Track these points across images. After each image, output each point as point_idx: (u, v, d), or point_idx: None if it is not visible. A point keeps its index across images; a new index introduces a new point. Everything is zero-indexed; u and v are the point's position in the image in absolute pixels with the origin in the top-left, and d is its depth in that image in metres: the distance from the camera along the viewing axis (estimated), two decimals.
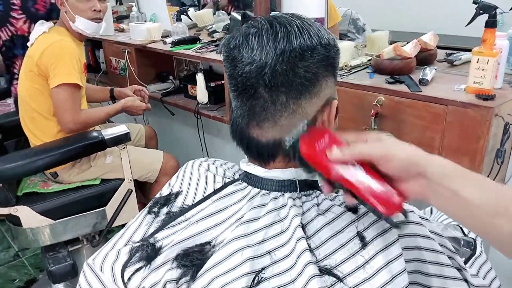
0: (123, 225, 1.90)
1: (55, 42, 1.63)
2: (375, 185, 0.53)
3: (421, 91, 1.25)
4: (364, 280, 0.57)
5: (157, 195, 0.76)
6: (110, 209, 1.75)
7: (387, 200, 0.53)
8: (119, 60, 2.41)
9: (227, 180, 0.72)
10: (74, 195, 1.72)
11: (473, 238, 0.90)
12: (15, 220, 1.64)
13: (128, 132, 1.67)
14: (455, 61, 1.50)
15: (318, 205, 0.65)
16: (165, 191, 0.76)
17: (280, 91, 0.61)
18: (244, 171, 0.70)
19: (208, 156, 2.28)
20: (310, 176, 0.62)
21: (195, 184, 0.74)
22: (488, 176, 1.19)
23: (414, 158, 0.53)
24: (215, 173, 0.75)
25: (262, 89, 0.61)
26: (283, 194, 0.66)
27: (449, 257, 0.67)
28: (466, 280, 0.68)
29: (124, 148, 1.71)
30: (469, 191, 0.51)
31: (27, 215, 1.63)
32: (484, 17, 1.19)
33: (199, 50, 1.96)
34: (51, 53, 1.60)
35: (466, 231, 0.93)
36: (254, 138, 0.65)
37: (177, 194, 0.74)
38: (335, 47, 0.65)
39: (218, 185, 0.72)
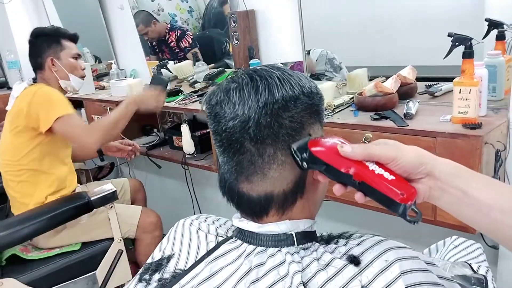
0: None
1: (39, 90, 1.67)
2: (390, 175, 0.53)
3: (408, 125, 1.24)
4: None
5: (149, 260, 0.72)
6: (100, 273, 1.67)
7: (403, 186, 0.52)
8: (100, 117, 2.39)
9: (220, 239, 0.69)
10: (62, 261, 1.65)
11: (483, 275, 0.87)
12: None
13: (115, 191, 1.63)
14: (436, 92, 1.52)
15: (318, 259, 0.61)
16: (156, 255, 0.72)
17: (267, 143, 0.59)
18: (237, 227, 0.66)
19: (199, 207, 2.23)
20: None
21: (187, 246, 0.70)
22: None
23: (423, 158, 0.53)
24: (207, 231, 0.71)
25: (248, 143, 0.59)
26: (280, 250, 0.62)
27: None
28: None
29: (112, 207, 1.66)
30: (479, 190, 0.51)
31: None
32: (459, 47, 1.22)
33: (182, 102, 1.96)
34: (38, 100, 1.63)
35: (475, 267, 0.90)
36: (244, 193, 0.62)
37: (169, 258, 0.70)
38: (318, 94, 0.64)
39: (211, 245, 0.68)
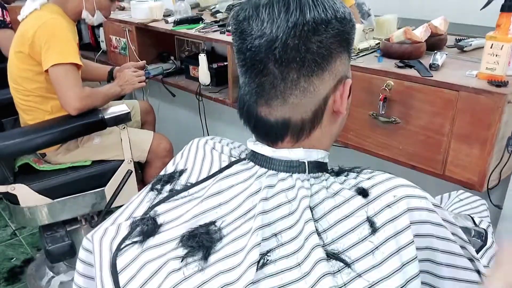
0: (122, 206, 1.90)
1: (48, 20, 1.56)
2: None
3: (432, 76, 1.21)
4: (373, 267, 0.54)
5: (162, 172, 0.73)
6: (109, 189, 1.72)
7: None
8: (119, 39, 2.35)
9: (233, 159, 0.69)
10: (72, 175, 1.69)
11: (484, 229, 0.88)
12: (12, 199, 1.62)
13: (129, 112, 1.64)
14: (465, 47, 1.46)
15: (327, 188, 0.62)
16: (169, 168, 0.73)
17: (291, 67, 0.57)
18: (251, 150, 0.67)
19: None
20: None
21: (200, 162, 0.71)
22: (497, 165, 1.16)
23: None
24: (221, 151, 0.72)
25: (272, 64, 0.58)
26: (291, 175, 0.63)
27: (461, 247, 0.65)
28: (478, 271, 0.65)
29: (124, 128, 1.68)
30: None
31: (25, 194, 1.60)
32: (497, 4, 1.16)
33: (202, 30, 1.91)
34: (44, 33, 1.53)
35: (477, 221, 0.91)
36: (262, 117, 0.62)
37: (181, 172, 0.71)
38: (351, 21, 0.61)
39: (224, 164, 0.69)
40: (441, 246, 0.62)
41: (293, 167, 0.63)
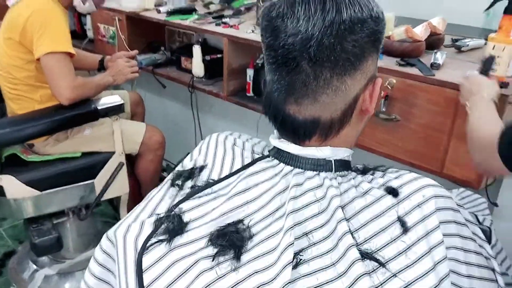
0: (112, 199, 1.86)
1: (41, 7, 1.49)
2: None
3: (434, 75, 1.22)
4: (407, 266, 0.54)
5: (179, 168, 0.71)
6: (99, 182, 1.68)
7: None
8: (108, 27, 2.29)
9: (256, 156, 0.68)
10: (61, 166, 1.64)
11: (488, 227, 0.90)
12: None
13: (123, 103, 1.60)
14: (463, 46, 1.48)
15: (356, 186, 0.62)
16: (187, 164, 0.71)
17: (325, 66, 0.57)
18: (276, 147, 0.66)
19: (201, 133, 2.22)
20: None
21: (220, 159, 0.69)
22: None
23: None
24: (242, 148, 0.70)
25: (306, 63, 0.57)
26: (318, 174, 0.62)
27: (479, 246, 0.66)
28: (493, 270, 0.67)
29: (117, 119, 1.64)
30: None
31: (12, 185, 1.54)
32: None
33: (196, 21, 1.88)
34: (36, 19, 1.46)
35: (480, 219, 0.92)
36: (290, 115, 0.61)
37: (202, 168, 0.69)
38: (383, 21, 0.60)
39: (247, 161, 0.67)
40: (464, 245, 0.62)
41: (320, 165, 0.63)
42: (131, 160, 1.86)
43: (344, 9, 0.55)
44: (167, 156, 1.94)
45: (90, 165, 1.67)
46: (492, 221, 0.97)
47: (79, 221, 1.78)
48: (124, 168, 1.71)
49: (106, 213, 2.26)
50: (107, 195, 1.71)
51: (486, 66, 1.14)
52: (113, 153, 1.69)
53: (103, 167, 1.68)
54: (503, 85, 1.13)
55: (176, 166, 2.21)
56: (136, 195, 1.91)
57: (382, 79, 0.65)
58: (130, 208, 1.85)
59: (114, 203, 2.01)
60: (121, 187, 1.73)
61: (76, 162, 1.66)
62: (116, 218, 2.07)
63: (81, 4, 1.66)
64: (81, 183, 1.67)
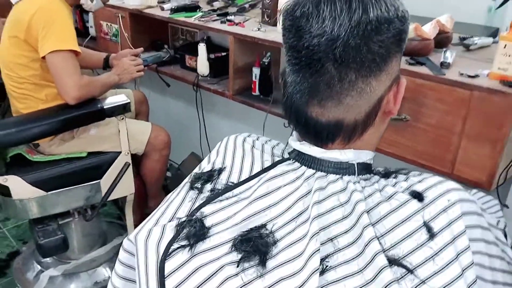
0: (117, 200, 1.84)
1: (46, 4, 1.48)
2: None
3: (444, 75, 1.21)
4: (435, 273, 0.53)
5: (197, 170, 0.70)
6: (105, 182, 1.67)
7: None
8: (110, 25, 2.27)
9: (276, 159, 0.67)
10: (67, 166, 1.63)
11: (503, 229, 0.89)
12: (4, 190, 1.54)
13: (129, 102, 1.59)
14: (471, 45, 1.47)
15: (380, 190, 0.61)
16: (205, 166, 0.70)
17: (350, 67, 0.55)
18: (297, 150, 0.65)
19: (206, 132, 2.21)
20: None
21: (239, 161, 0.68)
22: (508, 166, 1.18)
23: None
24: (262, 150, 0.69)
25: (330, 64, 0.55)
26: (341, 177, 0.61)
27: (502, 250, 0.65)
28: None
29: (122, 119, 1.62)
30: None
31: (18, 186, 1.53)
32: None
33: (201, 19, 1.87)
34: (41, 17, 1.45)
35: (494, 222, 0.92)
36: (313, 118, 0.60)
37: (220, 171, 0.68)
38: (408, 20, 0.59)
39: (267, 164, 0.66)
40: (489, 250, 0.62)
41: (343, 168, 0.62)
42: (136, 160, 1.85)
43: (371, 8, 0.54)
44: (170, 155, 1.93)
45: (96, 165, 1.66)
46: (506, 223, 0.96)
47: (85, 221, 1.77)
48: (130, 168, 1.70)
49: (111, 214, 2.25)
50: (113, 196, 1.70)
51: None
52: (119, 153, 1.68)
53: (109, 167, 1.67)
54: None
55: (180, 165, 2.19)
56: (141, 196, 1.91)
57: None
58: (134, 208, 1.84)
59: (119, 203, 2.00)
60: (127, 188, 1.72)
61: (81, 162, 1.65)
62: (121, 219, 2.06)
63: (88, 2, 1.65)
64: (87, 183, 1.66)
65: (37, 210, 1.61)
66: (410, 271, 0.53)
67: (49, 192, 1.59)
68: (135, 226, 0.71)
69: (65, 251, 1.67)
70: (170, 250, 0.57)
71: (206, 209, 0.61)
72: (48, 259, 1.85)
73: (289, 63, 0.60)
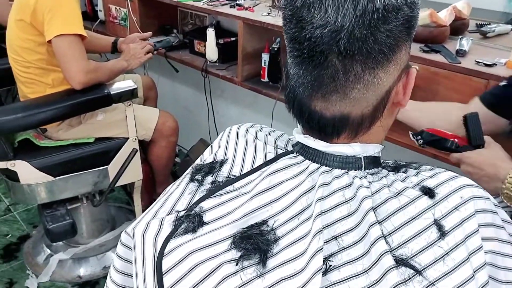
0: (125, 185, 1.84)
1: None
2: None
3: (460, 63, 1.17)
4: (445, 274, 0.51)
5: (198, 161, 0.68)
6: (113, 168, 1.66)
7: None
8: (119, 9, 2.25)
9: (279, 151, 0.65)
10: (75, 152, 1.63)
11: None
12: (12, 175, 1.55)
13: (136, 88, 1.57)
14: (488, 32, 1.42)
15: (388, 186, 0.58)
16: (207, 157, 0.68)
17: (356, 60, 0.52)
18: (301, 143, 0.62)
19: (214, 118, 2.19)
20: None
21: (241, 153, 0.66)
22: None
23: None
24: (265, 141, 0.67)
25: (335, 56, 0.52)
26: (347, 172, 0.59)
27: None
28: None
29: (130, 104, 1.61)
30: None
31: (25, 170, 1.54)
32: None
33: (211, 3, 1.83)
34: (46, 1, 1.42)
35: None
36: (317, 112, 0.57)
37: (222, 163, 0.66)
38: (418, 5, 0.56)
39: (269, 156, 0.64)
40: (502, 249, 0.59)
41: (349, 163, 0.59)
42: (144, 146, 1.84)
43: None
44: (179, 141, 1.92)
45: (104, 151, 1.66)
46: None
47: (93, 207, 1.77)
48: (138, 154, 1.69)
49: (119, 198, 2.26)
50: (121, 182, 1.70)
51: (475, 131, 0.90)
52: (127, 139, 1.67)
53: (117, 153, 1.66)
54: None
55: (188, 151, 2.17)
56: (149, 182, 1.90)
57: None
58: (143, 194, 1.84)
59: (128, 188, 2.00)
60: (134, 174, 1.72)
61: (89, 147, 1.64)
62: (130, 204, 2.07)
63: None
64: (95, 169, 1.66)
65: (46, 195, 1.62)
66: (418, 272, 0.51)
67: (57, 178, 1.59)
68: (143, 211, 0.69)
69: (74, 236, 1.68)
70: (168, 246, 0.56)
71: (205, 204, 0.59)
72: (57, 243, 1.86)
73: (290, 55, 0.57)
